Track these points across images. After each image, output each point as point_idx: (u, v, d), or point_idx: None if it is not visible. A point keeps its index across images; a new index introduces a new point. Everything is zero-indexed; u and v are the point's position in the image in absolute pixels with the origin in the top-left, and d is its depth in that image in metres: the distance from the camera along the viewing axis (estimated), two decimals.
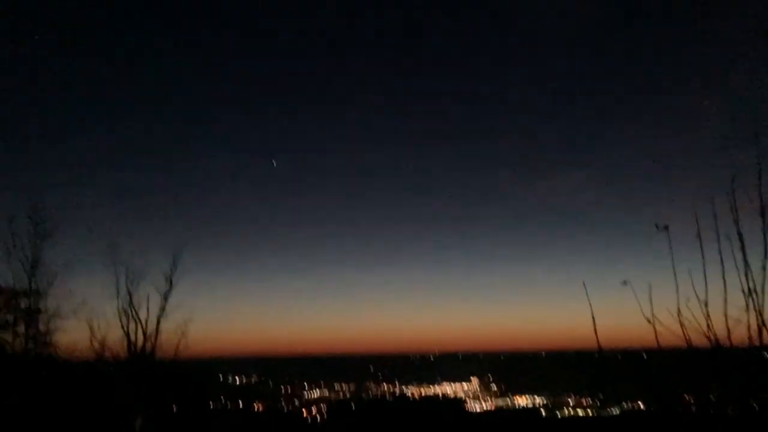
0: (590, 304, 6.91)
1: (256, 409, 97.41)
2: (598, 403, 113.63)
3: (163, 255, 21.53)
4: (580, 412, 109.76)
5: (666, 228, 6.33)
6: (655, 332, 6.40)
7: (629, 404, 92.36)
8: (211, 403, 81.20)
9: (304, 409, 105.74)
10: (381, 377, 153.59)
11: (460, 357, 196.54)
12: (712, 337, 6.30)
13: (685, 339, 6.29)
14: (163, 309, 20.82)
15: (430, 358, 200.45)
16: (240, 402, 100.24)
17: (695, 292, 6.33)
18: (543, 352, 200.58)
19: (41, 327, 19.51)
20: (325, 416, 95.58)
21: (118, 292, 20.52)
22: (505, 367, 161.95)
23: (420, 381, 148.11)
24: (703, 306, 6.27)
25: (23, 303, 19.49)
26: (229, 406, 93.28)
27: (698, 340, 6.51)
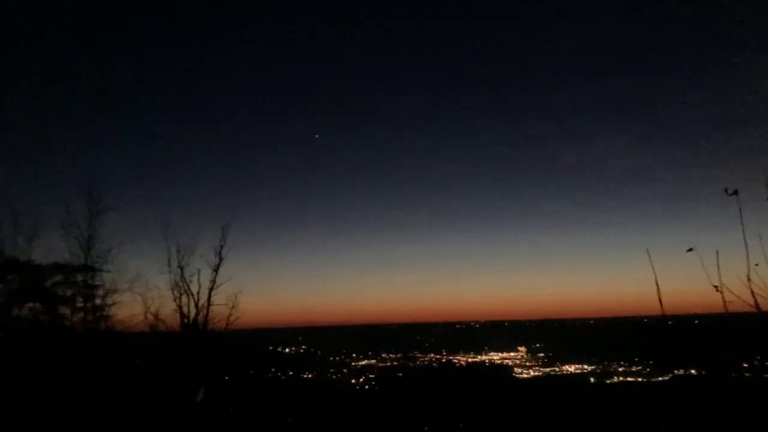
0: (654, 271, 6.60)
1: (305, 378, 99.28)
2: (648, 370, 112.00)
3: (213, 230, 21.78)
4: (630, 379, 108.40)
5: (736, 192, 5.97)
6: (723, 300, 6.08)
7: (680, 371, 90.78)
8: (262, 372, 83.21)
9: (353, 379, 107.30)
10: (427, 346, 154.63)
11: (507, 325, 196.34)
12: None
13: (755, 305, 5.97)
14: (213, 282, 21.14)
15: (476, 326, 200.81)
16: (290, 371, 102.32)
17: (765, 257, 5.98)
18: (591, 320, 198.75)
19: (98, 301, 20.05)
20: (374, 384, 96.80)
21: (170, 267, 20.89)
22: (553, 335, 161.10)
23: (466, 350, 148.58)
24: None
25: (80, 278, 20.02)
26: (280, 375, 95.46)
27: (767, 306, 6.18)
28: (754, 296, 6.03)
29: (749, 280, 6.02)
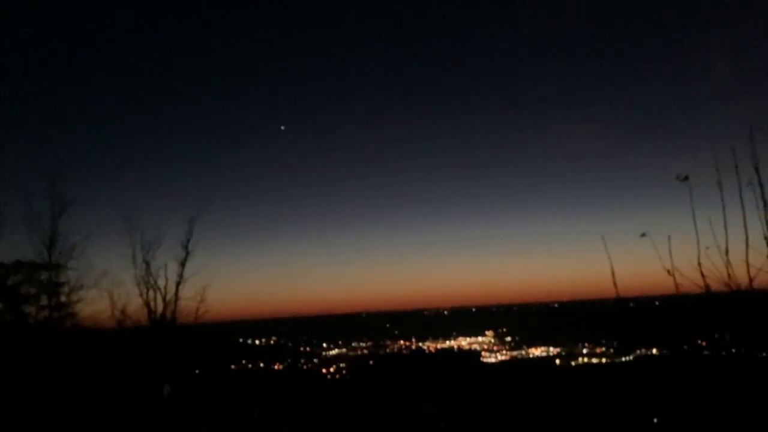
0: (609, 256, 6.83)
1: (276, 369, 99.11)
2: (612, 351, 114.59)
3: (179, 223, 21.54)
4: (594, 360, 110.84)
5: (687, 178, 6.22)
6: (675, 282, 6.33)
7: (642, 351, 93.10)
8: (232, 365, 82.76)
9: (323, 368, 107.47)
10: (397, 334, 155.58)
11: (474, 311, 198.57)
12: (733, 285, 6.25)
13: (705, 287, 6.24)
14: (180, 276, 20.94)
15: (443, 313, 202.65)
16: (260, 363, 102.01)
17: (715, 240, 6.24)
18: (555, 303, 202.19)
19: (63, 299, 19.75)
20: (345, 373, 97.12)
21: (135, 262, 20.62)
22: (519, 319, 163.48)
23: (435, 336, 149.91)
24: (723, 254, 6.19)
25: (44, 276, 19.70)
26: (250, 367, 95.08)
27: (718, 288, 6.45)
28: (704, 278, 6.29)
29: (699, 263, 6.28)
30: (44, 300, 19.68)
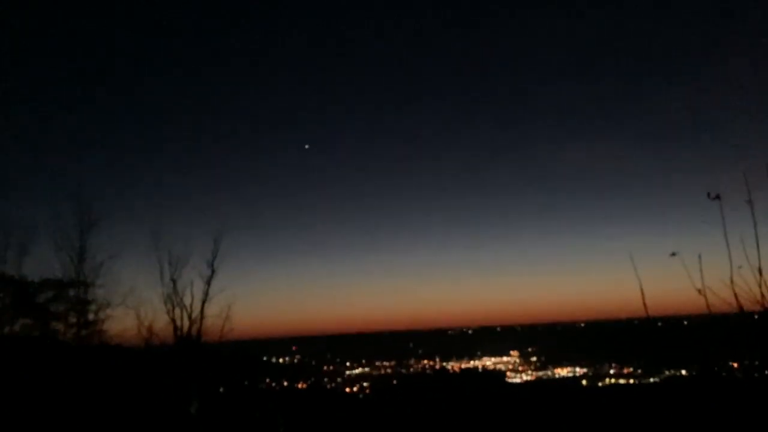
0: (638, 275, 6.71)
1: (300, 388, 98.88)
2: (640, 372, 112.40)
3: (205, 241, 21.77)
4: (622, 381, 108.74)
5: (718, 197, 6.10)
6: (706, 302, 6.19)
7: (671, 372, 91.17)
8: (256, 383, 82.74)
9: (347, 387, 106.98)
10: (421, 353, 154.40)
11: (499, 330, 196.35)
12: (767, 304, 6.09)
13: (738, 306, 6.09)
14: (206, 294, 21.12)
15: (468, 332, 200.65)
16: (284, 381, 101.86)
17: (747, 259, 6.10)
18: (582, 323, 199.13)
19: (90, 316, 20.00)
20: (368, 392, 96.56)
21: (162, 280, 20.86)
22: (544, 339, 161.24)
23: (459, 356, 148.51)
24: (756, 273, 6.05)
25: (72, 293, 19.97)
26: (274, 386, 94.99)
27: (750, 308, 6.30)
28: (737, 298, 6.15)
29: (732, 282, 6.14)
30: (73, 317, 19.97)
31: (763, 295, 6.06)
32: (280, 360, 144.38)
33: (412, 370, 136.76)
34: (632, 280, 6.79)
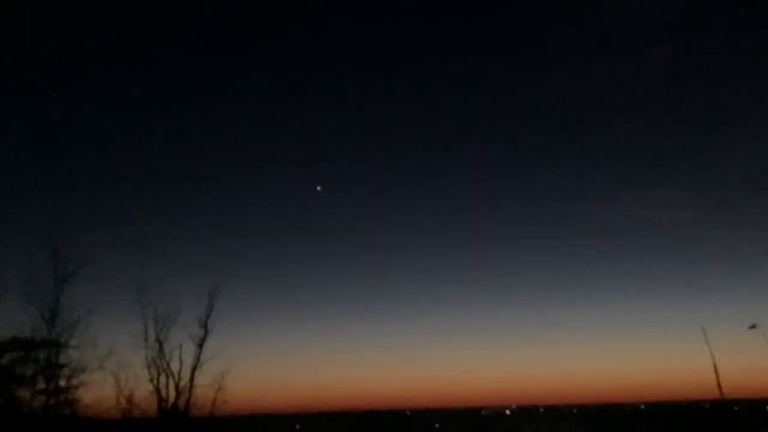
0: (710, 350, 6.54)
1: None
2: None
3: (197, 299, 21.75)
4: None
5: None
6: None
7: None
8: None
9: None
10: None
11: (542, 411, 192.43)
12: None
13: None
14: (197, 359, 20.97)
15: (505, 412, 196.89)
16: None
17: None
18: (642, 405, 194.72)
19: (62, 382, 19.90)
20: None
21: (146, 341, 20.80)
22: (597, 422, 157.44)
23: None
24: None
25: (42, 355, 19.91)
26: None
27: None
28: None
29: None
30: (41, 383, 19.86)
31: None
32: None
33: None
34: (703, 355, 6.61)
